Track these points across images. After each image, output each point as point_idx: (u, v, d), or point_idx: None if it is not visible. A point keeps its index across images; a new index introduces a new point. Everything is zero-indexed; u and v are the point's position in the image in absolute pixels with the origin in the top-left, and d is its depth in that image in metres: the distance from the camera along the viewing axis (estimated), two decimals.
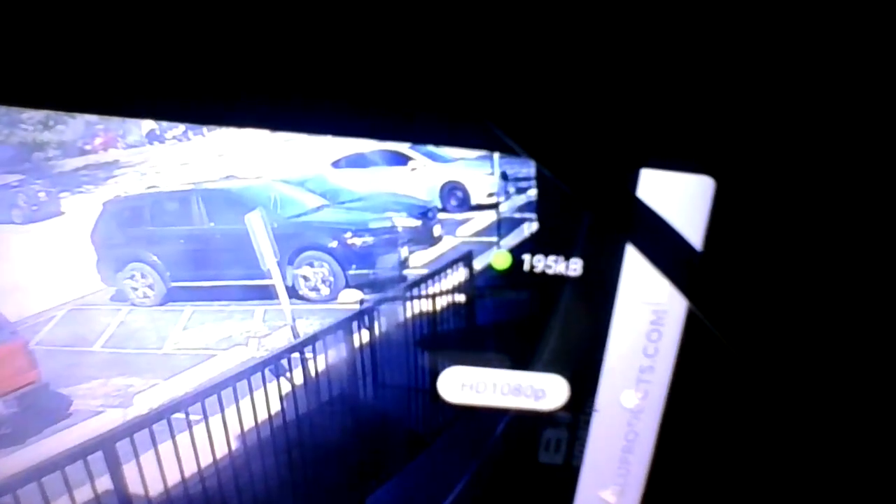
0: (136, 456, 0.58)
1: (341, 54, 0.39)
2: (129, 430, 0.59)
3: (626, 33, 0.39)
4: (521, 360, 0.50)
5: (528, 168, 0.46)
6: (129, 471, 0.59)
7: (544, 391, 0.49)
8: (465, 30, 0.39)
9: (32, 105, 0.50)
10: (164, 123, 0.60)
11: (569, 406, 0.49)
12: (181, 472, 0.60)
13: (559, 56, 0.40)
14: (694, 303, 0.38)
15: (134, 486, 0.59)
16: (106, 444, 0.58)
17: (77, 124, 0.58)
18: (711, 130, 0.42)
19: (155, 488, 0.60)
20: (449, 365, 0.50)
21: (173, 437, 0.60)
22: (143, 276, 0.60)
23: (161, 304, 0.61)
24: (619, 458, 0.49)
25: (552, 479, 0.52)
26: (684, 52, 0.40)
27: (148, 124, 0.60)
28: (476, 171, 0.57)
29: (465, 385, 0.50)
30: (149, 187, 0.59)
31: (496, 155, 0.52)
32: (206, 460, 0.61)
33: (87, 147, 0.59)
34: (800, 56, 0.41)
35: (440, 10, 0.39)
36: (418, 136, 0.51)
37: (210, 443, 0.61)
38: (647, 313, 0.46)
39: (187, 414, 0.61)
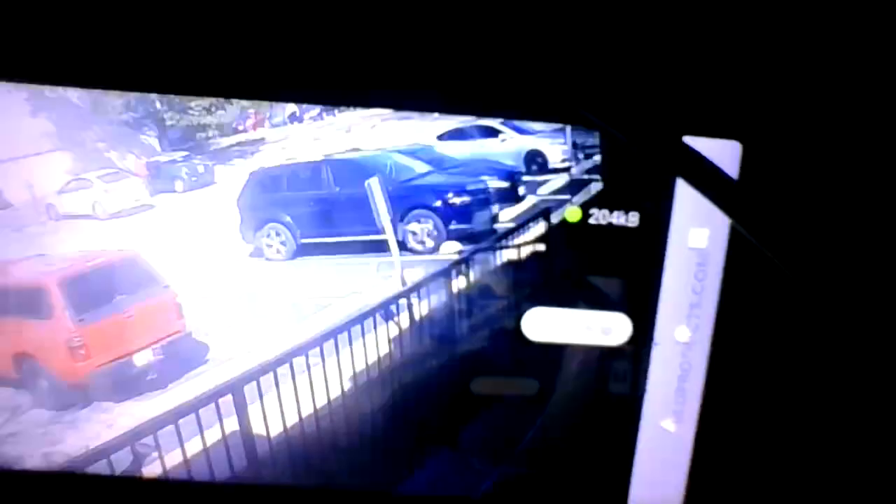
0: (261, 397, 0.63)
1: (452, 48, 0.50)
2: (256, 373, 0.63)
3: (668, 34, 0.49)
4: (591, 300, 0.54)
5: (594, 138, 0.54)
6: (254, 412, 0.63)
7: (611, 328, 0.54)
8: (548, 33, 0.50)
9: (202, 94, 0.55)
10: (304, 106, 0.65)
11: (632, 341, 0.54)
12: (299, 412, 0.65)
13: (623, 53, 0.50)
14: (738, 221, 0.47)
15: (257, 427, 0.63)
16: (235, 388, 0.62)
17: (233, 109, 0.64)
18: (739, 102, 0.51)
19: (275, 428, 0.64)
20: (531, 307, 0.55)
21: (294, 379, 0.65)
22: (277, 234, 0.65)
23: (291, 259, 0.66)
24: (675, 387, 0.53)
25: (619, 410, 0.55)
26: (715, 40, 0.50)
27: (290, 107, 0.66)
28: (553, 140, 0.61)
29: (545, 324, 0.54)
30: (287, 159, 0.65)
31: (569, 127, 0.56)
32: (321, 401, 0.65)
33: (240, 128, 0.66)
34: (814, 38, 0.49)
35: (530, 22, 0.50)
36: (509, 114, 0.56)
37: (325, 384, 0.66)
38: (692, 257, 0.51)
39: (307, 357, 0.66)
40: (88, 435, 0.62)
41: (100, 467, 0.60)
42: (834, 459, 0.53)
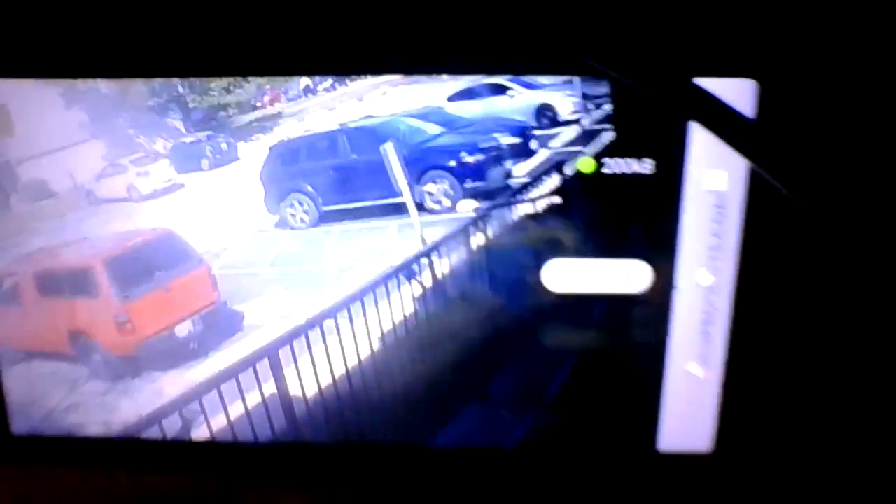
0: (295, 360, 0.61)
1: (460, 12, 0.46)
2: (289, 338, 0.61)
3: None
4: (609, 249, 0.51)
5: (604, 88, 0.49)
6: (290, 374, 0.61)
7: (631, 275, 0.51)
8: None
9: (220, 74, 0.53)
10: (317, 78, 0.61)
11: (653, 287, 0.51)
12: (332, 372, 0.62)
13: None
14: (756, 162, 0.42)
15: (294, 388, 0.61)
16: (270, 352, 0.60)
17: (251, 87, 0.60)
18: (752, 39, 0.46)
19: (311, 389, 0.61)
20: (550, 258, 0.52)
21: (325, 341, 0.62)
22: (300, 203, 0.61)
23: (315, 226, 0.62)
24: (700, 331, 0.50)
25: (644, 356, 0.52)
26: None
27: (304, 81, 0.61)
28: (562, 93, 0.57)
29: (565, 275, 0.52)
30: (305, 131, 0.61)
31: (577, 79, 0.51)
32: (351, 361, 0.62)
33: (258, 104, 0.61)
34: None
35: None
36: (516, 70, 0.53)
37: (355, 344, 0.62)
38: (710, 199, 0.48)
39: (336, 319, 0.62)
40: (140, 403, 0.61)
41: (153, 432, 0.60)
42: (861, 401, 0.50)
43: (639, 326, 0.52)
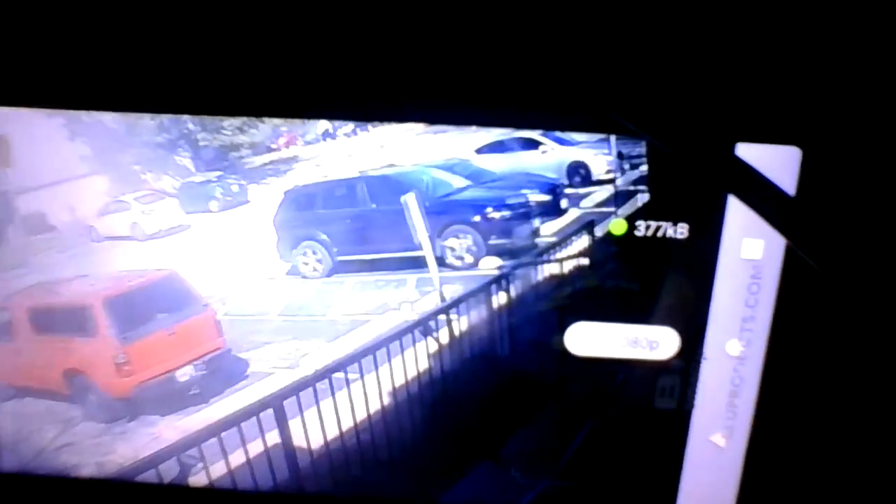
0: (301, 412, 0.58)
1: (488, 60, 0.44)
2: (295, 388, 0.58)
3: (724, 33, 0.43)
4: (636, 315, 0.49)
5: (641, 148, 0.47)
6: (295, 426, 0.59)
7: (658, 342, 0.49)
8: (589, 42, 0.44)
9: (233, 113, 0.49)
10: (337, 123, 0.59)
11: (680, 355, 0.49)
12: (339, 425, 0.60)
13: (667, 57, 0.44)
14: (793, 240, 0.41)
15: (298, 440, 0.58)
16: (276, 402, 0.57)
17: (266, 128, 0.58)
18: (798, 105, 0.45)
19: (316, 441, 0.59)
20: (575, 321, 0.50)
21: (333, 394, 0.60)
22: (313, 252, 0.60)
23: (328, 277, 0.60)
24: (726, 402, 0.48)
25: (666, 425, 0.50)
26: (773, 44, 0.43)
27: (323, 124, 0.59)
28: (596, 151, 0.55)
29: (589, 339, 0.50)
30: (322, 177, 0.59)
31: (613, 137, 0.49)
32: (360, 415, 0.60)
33: (273, 146, 0.59)
34: (880, 34, 0.43)
35: (568, 31, 0.43)
36: (549, 125, 0.51)
37: (365, 399, 0.60)
38: (746, 269, 0.45)
39: (346, 373, 0.60)
40: (137, 446, 0.59)
41: (149, 476, 0.58)
42: (886, 479, 0.49)
43: (663, 395, 0.51)
